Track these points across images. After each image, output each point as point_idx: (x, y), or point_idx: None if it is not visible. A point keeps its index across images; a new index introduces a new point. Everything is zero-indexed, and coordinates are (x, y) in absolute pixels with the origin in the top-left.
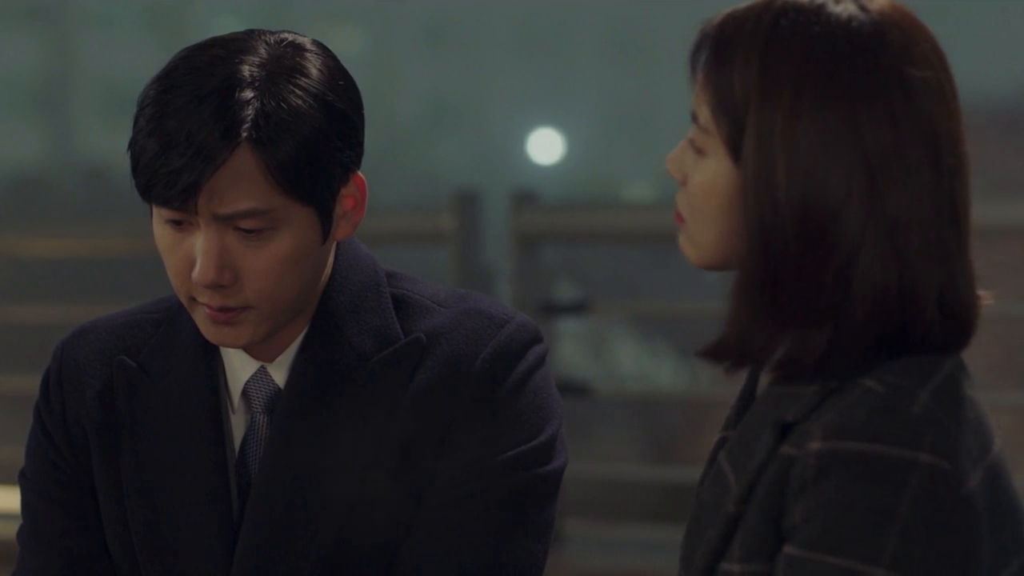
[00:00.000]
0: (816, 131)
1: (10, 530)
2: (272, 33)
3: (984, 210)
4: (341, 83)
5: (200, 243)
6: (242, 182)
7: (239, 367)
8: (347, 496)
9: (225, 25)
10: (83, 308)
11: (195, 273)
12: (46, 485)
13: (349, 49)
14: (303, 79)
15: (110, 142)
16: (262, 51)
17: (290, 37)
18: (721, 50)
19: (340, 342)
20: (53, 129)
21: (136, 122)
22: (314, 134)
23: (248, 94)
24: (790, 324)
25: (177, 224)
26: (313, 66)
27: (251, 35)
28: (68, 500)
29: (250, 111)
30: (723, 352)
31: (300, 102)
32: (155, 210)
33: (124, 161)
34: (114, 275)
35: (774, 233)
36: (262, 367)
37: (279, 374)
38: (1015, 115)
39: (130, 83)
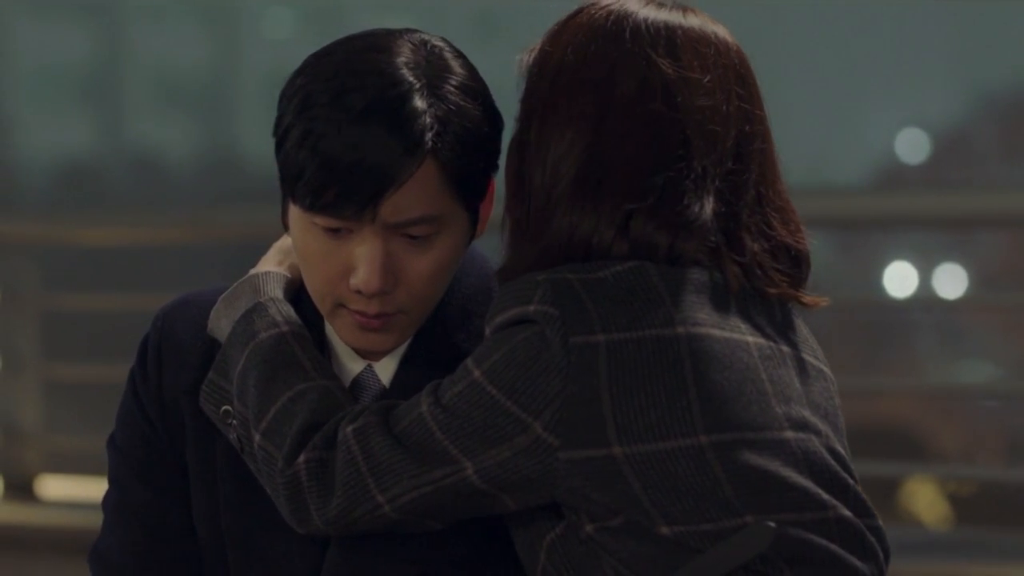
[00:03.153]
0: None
1: (79, 519)
2: (400, 30)
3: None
4: (480, 79)
5: (365, 251)
6: (421, 192)
7: (347, 363)
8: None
9: (278, 17)
10: (138, 296)
11: (358, 281)
12: (136, 459)
13: None
14: (456, 78)
15: (161, 131)
16: (406, 50)
17: (418, 33)
18: None
19: (448, 346)
20: (104, 118)
21: (288, 129)
22: (482, 137)
23: (421, 103)
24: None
25: (334, 231)
26: (456, 64)
27: (387, 34)
28: (157, 476)
29: (428, 120)
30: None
31: (466, 104)
32: (301, 213)
33: (174, 150)
34: (165, 263)
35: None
36: (369, 365)
37: (385, 374)
38: None
39: (181, 72)
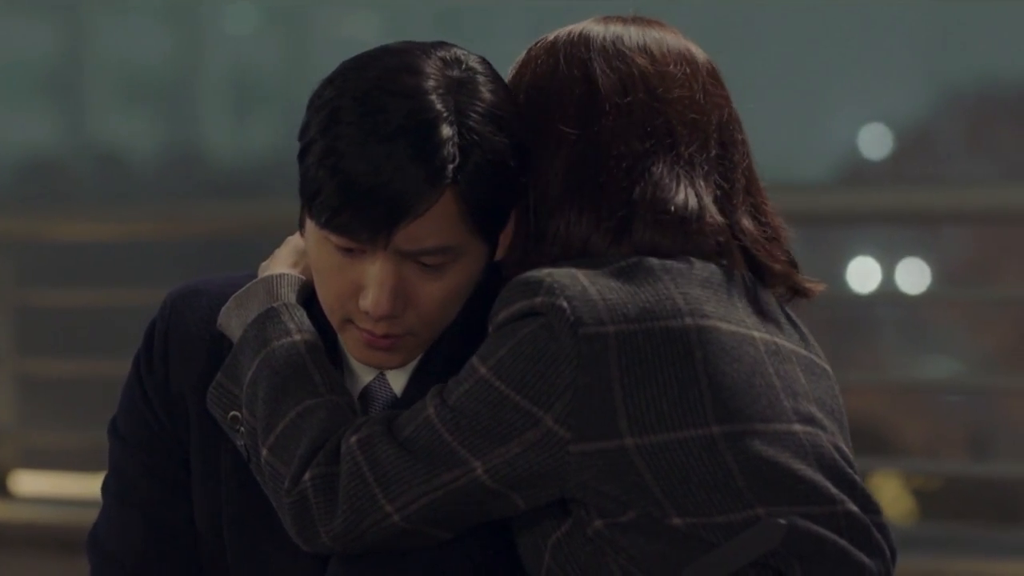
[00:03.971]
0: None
1: (54, 516)
2: (436, 47)
3: (1000, 195)
4: (512, 104)
5: (376, 273)
6: (437, 223)
7: (359, 371)
8: None
9: (240, 12)
10: (112, 292)
11: (367, 303)
12: (138, 448)
13: (362, 35)
14: (484, 105)
15: (124, 127)
16: (438, 74)
17: (455, 51)
18: None
19: (464, 355)
20: (67, 114)
21: (311, 143)
22: (506, 169)
23: (446, 131)
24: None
25: (347, 250)
26: (487, 89)
27: (422, 53)
28: (160, 468)
29: (451, 151)
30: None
31: (493, 135)
32: (316, 228)
33: (138, 145)
34: (130, 258)
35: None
36: (381, 374)
37: (397, 383)
38: None
39: (144, 68)
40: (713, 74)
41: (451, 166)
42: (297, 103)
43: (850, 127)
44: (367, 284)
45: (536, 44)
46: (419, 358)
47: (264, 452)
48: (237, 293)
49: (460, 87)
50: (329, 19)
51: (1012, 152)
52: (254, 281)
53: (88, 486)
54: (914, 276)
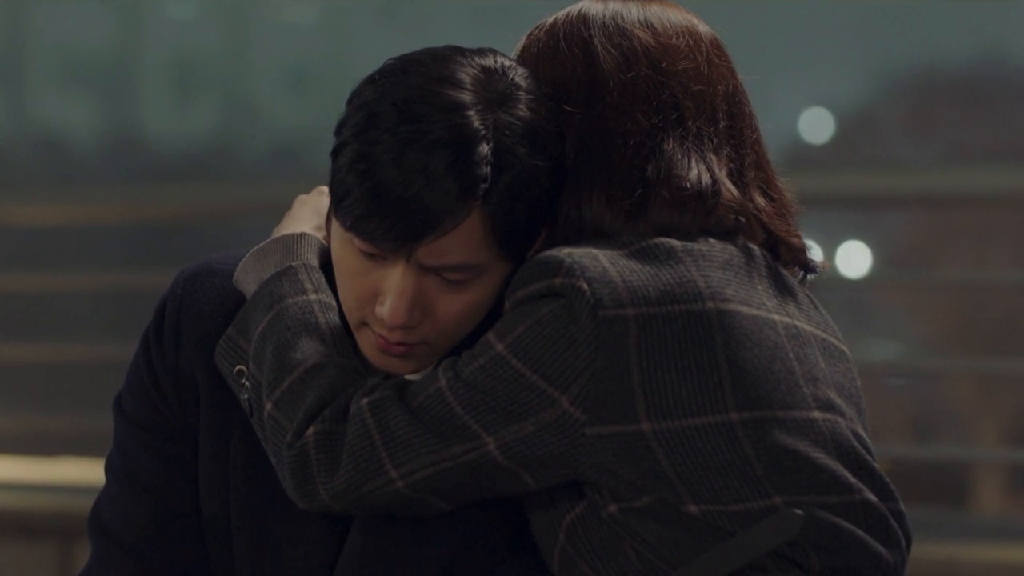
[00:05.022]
0: None
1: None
2: (481, 55)
3: (941, 179)
4: (552, 123)
5: (395, 281)
6: (462, 241)
7: (375, 369)
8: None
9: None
10: (60, 276)
11: (383, 311)
12: (144, 430)
13: (302, 20)
14: (521, 123)
15: (64, 110)
16: (480, 87)
17: (500, 61)
18: None
19: None
20: (6, 97)
21: (345, 143)
22: (538, 191)
23: (482, 149)
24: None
25: (370, 255)
26: (527, 107)
27: (466, 63)
28: (166, 451)
29: (485, 170)
30: None
31: (528, 156)
32: (342, 230)
33: (78, 129)
34: (69, 242)
35: None
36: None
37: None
38: (974, 84)
39: (84, 51)
40: (717, 45)
41: (483, 186)
42: (238, 88)
43: (791, 111)
44: (386, 291)
45: (536, 28)
46: (433, 366)
47: (268, 406)
48: (255, 248)
49: (501, 103)
50: (270, 4)
51: (953, 136)
52: (274, 238)
53: (46, 471)
54: (856, 259)
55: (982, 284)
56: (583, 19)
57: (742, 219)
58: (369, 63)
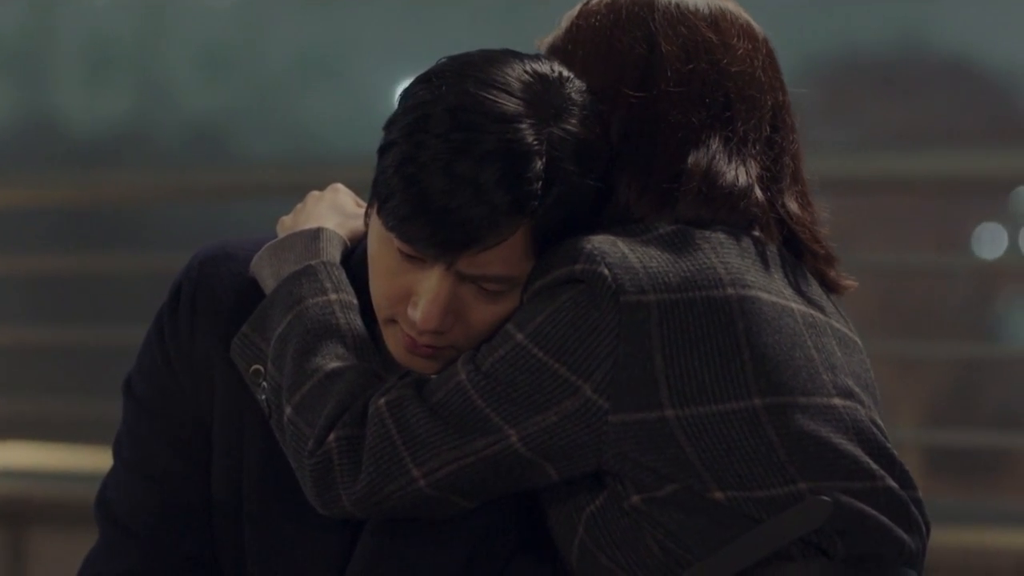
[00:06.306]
0: None
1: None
2: (533, 61)
3: (860, 162)
4: (601, 141)
5: (431, 286)
6: (505, 254)
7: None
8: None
9: None
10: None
11: (416, 314)
12: (156, 415)
13: (218, 3)
14: (574, 140)
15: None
16: (536, 100)
17: (553, 71)
18: None
19: None
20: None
21: (393, 143)
22: (582, 211)
23: (536, 164)
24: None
25: (408, 256)
26: (580, 121)
27: (523, 71)
28: (178, 438)
29: (537, 186)
30: None
31: (577, 173)
32: (383, 228)
33: (72, 114)
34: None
35: None
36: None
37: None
38: (893, 68)
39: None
40: (771, 55)
41: (533, 202)
42: (153, 73)
43: None
44: (420, 294)
45: (588, 3)
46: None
47: (288, 410)
48: (272, 242)
49: (555, 117)
50: None
51: (871, 120)
52: (292, 232)
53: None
54: None
55: (900, 268)
56: (647, 2)
57: (760, 216)
58: (286, 48)
